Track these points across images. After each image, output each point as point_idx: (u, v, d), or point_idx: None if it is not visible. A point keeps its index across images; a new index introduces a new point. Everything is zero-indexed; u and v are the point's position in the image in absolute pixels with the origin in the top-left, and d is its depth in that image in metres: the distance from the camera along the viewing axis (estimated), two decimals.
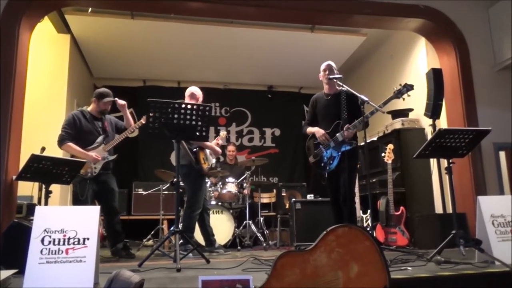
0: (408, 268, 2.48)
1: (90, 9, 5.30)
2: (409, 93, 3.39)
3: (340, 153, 3.53)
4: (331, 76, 3.65)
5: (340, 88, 3.58)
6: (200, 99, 4.27)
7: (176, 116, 3.10)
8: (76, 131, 3.80)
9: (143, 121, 3.98)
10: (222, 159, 6.35)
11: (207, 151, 4.36)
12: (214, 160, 4.55)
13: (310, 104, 3.88)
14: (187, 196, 4.23)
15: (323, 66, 3.77)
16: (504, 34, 4.59)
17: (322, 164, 3.64)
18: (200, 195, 4.19)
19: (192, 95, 4.23)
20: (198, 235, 4.45)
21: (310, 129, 3.78)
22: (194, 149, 4.15)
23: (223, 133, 5.04)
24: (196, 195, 4.14)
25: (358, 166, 3.80)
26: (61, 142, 3.74)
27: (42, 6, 4.13)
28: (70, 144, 3.73)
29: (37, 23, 4.23)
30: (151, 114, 3.08)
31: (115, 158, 3.97)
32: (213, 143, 4.54)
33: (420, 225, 4.30)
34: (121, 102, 4.00)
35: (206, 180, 5.25)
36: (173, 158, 7.15)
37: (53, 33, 5.58)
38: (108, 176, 3.96)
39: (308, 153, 3.82)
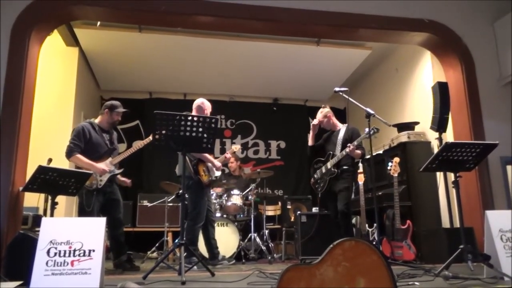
0: (416, 283, 2.45)
1: (98, 23, 5.38)
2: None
3: (328, 178, 4.13)
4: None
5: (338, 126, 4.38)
6: (208, 111, 4.23)
7: (182, 128, 3.11)
8: (84, 142, 3.76)
9: (150, 137, 3.98)
10: (227, 170, 6.34)
11: (209, 163, 4.30)
12: (218, 173, 4.47)
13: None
14: (189, 208, 4.17)
15: (325, 114, 4.32)
16: (509, 48, 4.59)
17: (316, 186, 4.37)
18: (202, 207, 4.12)
19: (199, 108, 4.21)
20: (201, 248, 4.42)
21: None
22: (194, 160, 4.11)
23: (235, 147, 4.96)
24: (198, 207, 4.08)
25: (349, 187, 4.13)
26: (70, 153, 3.70)
27: (52, 20, 4.18)
28: (79, 156, 3.69)
29: (46, 36, 4.28)
30: (157, 132, 3.09)
31: (121, 172, 3.97)
32: (221, 157, 4.51)
33: (427, 239, 4.25)
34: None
35: (212, 192, 5.25)
36: (177, 169, 7.15)
37: (62, 46, 5.67)
38: (114, 187, 3.96)
39: (311, 174, 4.49)
